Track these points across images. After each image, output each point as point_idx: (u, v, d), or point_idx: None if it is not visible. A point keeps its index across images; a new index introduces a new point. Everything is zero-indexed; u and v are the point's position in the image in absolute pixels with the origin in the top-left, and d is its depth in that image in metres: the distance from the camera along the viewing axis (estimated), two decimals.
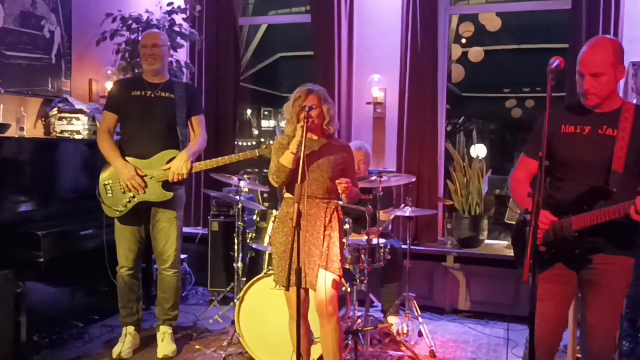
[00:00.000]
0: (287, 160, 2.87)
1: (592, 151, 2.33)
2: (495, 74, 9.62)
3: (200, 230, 5.38)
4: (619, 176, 2.27)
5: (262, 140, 9.38)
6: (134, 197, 3.52)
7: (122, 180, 3.49)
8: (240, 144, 9.44)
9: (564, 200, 2.37)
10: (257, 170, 8.82)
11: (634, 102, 3.59)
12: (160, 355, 3.65)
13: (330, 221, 2.95)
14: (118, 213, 3.56)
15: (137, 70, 4.62)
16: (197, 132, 3.75)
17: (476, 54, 8.03)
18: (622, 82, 4.16)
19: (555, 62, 2.12)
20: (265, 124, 9.61)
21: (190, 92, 3.78)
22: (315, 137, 2.98)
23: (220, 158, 3.68)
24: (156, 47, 3.60)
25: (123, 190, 3.52)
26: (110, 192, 3.55)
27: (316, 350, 3.36)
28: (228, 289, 4.41)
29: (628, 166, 2.27)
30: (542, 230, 2.31)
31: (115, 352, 3.61)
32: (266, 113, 9.72)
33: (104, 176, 3.58)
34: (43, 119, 4.35)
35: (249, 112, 9.50)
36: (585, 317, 2.43)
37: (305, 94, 2.90)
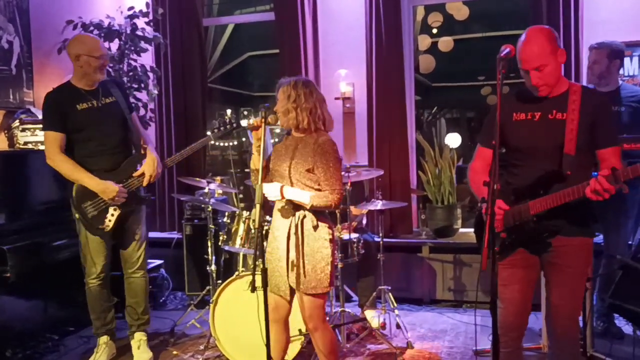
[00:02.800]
0: (252, 161, 2.84)
1: (543, 136, 2.36)
2: (467, 62, 9.68)
3: (175, 235, 5.36)
4: (572, 158, 2.30)
5: (243, 139, 9.38)
6: (115, 209, 3.45)
7: (107, 197, 3.38)
8: (221, 144, 9.41)
9: (521, 186, 2.41)
10: (237, 170, 8.80)
11: (589, 85, 3.63)
12: None
13: (297, 231, 2.70)
14: (107, 228, 3.44)
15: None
16: (138, 128, 3.70)
17: (445, 43, 8.07)
18: (584, 66, 4.22)
19: (505, 50, 2.15)
20: (244, 123, 9.57)
21: (121, 88, 3.71)
22: (297, 134, 2.80)
23: (192, 145, 3.71)
24: (106, 56, 3.53)
25: (103, 206, 3.42)
26: (92, 211, 3.41)
27: (291, 349, 3.36)
28: (204, 292, 4.39)
29: (580, 147, 2.31)
30: (497, 220, 2.32)
31: None
32: (245, 112, 9.73)
33: (79, 199, 3.39)
34: (6, 131, 4.27)
35: (229, 112, 9.48)
36: (549, 299, 2.47)
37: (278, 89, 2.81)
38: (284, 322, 2.91)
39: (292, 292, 2.81)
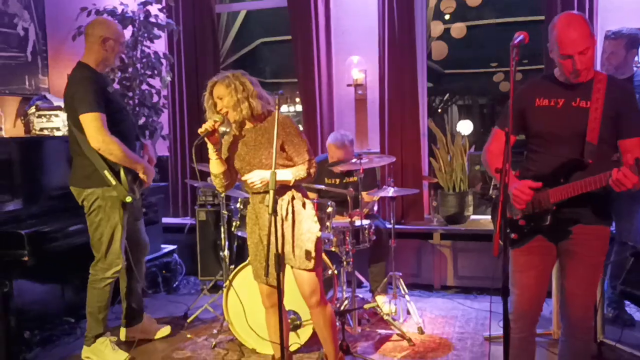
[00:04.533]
0: (212, 167, 2.80)
1: (566, 124, 2.34)
2: (480, 48, 9.60)
3: (188, 220, 5.41)
4: (594, 147, 2.29)
5: None
6: (142, 185, 3.51)
7: (149, 180, 3.48)
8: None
9: (540, 173, 2.39)
10: None
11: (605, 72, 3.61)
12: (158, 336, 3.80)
13: (288, 213, 2.76)
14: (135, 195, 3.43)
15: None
16: None
17: (458, 29, 7.99)
18: (598, 52, 4.19)
19: (519, 37, 2.12)
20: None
21: None
22: (250, 125, 2.83)
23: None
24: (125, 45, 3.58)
25: (141, 189, 3.48)
26: (138, 193, 3.46)
27: (303, 333, 3.41)
28: (217, 277, 4.44)
29: (602, 137, 2.29)
30: (524, 200, 2.33)
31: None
32: None
33: (130, 181, 3.39)
34: (22, 118, 4.33)
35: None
36: (564, 286, 2.48)
37: (210, 88, 2.76)
38: (280, 306, 2.92)
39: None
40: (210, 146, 2.74)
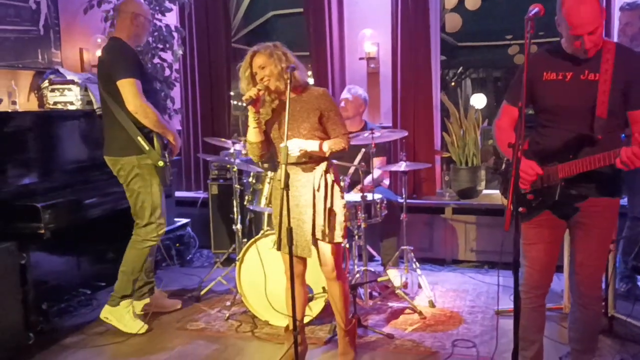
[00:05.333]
0: (251, 135, 2.83)
1: (574, 98, 2.30)
2: (494, 20, 9.43)
3: (201, 194, 5.46)
4: (603, 122, 2.25)
5: None
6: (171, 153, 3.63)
7: (177, 148, 3.65)
8: (242, 104, 9.44)
9: (549, 147, 2.37)
10: None
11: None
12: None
13: (320, 187, 2.83)
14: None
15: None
16: None
17: (472, 1, 7.87)
18: (614, 27, 4.11)
19: (534, 9, 2.07)
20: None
21: None
22: (285, 97, 2.80)
23: None
24: None
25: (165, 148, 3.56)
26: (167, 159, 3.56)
27: (316, 305, 3.46)
28: (230, 250, 4.49)
29: (612, 110, 2.25)
30: (528, 181, 2.33)
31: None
32: None
33: (161, 147, 3.53)
34: (36, 92, 4.36)
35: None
36: (573, 257, 2.49)
37: (250, 58, 2.79)
38: (302, 277, 3.03)
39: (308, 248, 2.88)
40: (251, 115, 2.79)
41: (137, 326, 3.54)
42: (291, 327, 2.90)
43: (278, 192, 2.88)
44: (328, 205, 2.84)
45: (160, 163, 3.47)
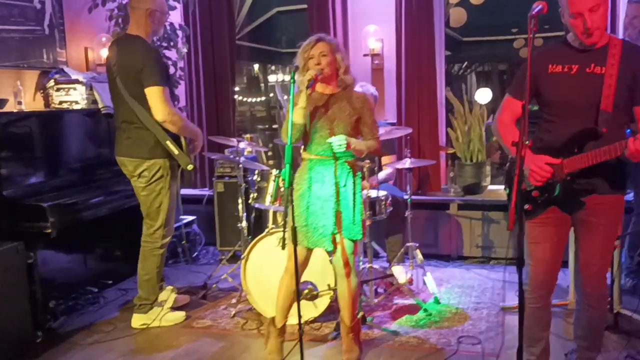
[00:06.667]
0: (296, 115, 2.83)
1: (580, 91, 2.28)
2: (499, 14, 9.39)
3: (206, 192, 5.47)
4: (608, 116, 2.23)
5: (271, 95, 9.41)
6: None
7: (200, 142, 3.67)
8: (250, 100, 9.49)
9: (554, 142, 2.35)
10: (266, 126, 8.86)
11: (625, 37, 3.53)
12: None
13: (347, 183, 2.90)
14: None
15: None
16: None
17: None
18: (620, 20, 4.08)
19: (537, 7, 2.05)
20: (272, 78, 9.95)
21: None
22: (328, 90, 2.94)
23: None
24: None
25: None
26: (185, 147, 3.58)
27: (320, 303, 3.46)
28: (235, 248, 4.51)
29: (617, 104, 2.24)
30: (543, 177, 2.31)
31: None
32: (273, 68, 9.83)
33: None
34: (41, 91, 4.38)
35: (256, 67, 9.61)
36: (578, 255, 2.48)
37: (314, 42, 2.88)
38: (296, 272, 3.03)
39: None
40: (304, 95, 2.81)
41: (179, 316, 3.66)
42: (277, 321, 3.02)
43: (299, 189, 2.94)
44: (351, 202, 2.91)
45: (190, 167, 3.48)
